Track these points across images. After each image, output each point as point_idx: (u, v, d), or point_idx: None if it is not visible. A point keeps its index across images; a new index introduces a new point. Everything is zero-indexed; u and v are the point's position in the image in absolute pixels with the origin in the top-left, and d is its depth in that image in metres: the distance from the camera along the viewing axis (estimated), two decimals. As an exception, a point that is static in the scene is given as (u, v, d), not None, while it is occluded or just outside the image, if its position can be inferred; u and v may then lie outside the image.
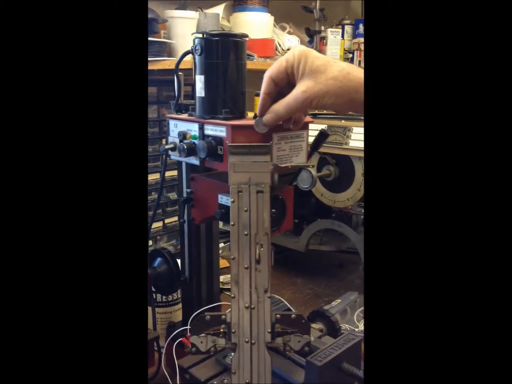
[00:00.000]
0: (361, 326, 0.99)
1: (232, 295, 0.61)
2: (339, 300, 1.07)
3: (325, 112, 1.56)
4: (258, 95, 0.70)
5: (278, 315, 0.61)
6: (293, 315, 0.62)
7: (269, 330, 0.60)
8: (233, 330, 0.60)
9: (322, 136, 0.77)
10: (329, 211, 1.30)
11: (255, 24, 1.31)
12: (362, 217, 1.28)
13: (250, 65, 1.28)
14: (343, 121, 1.19)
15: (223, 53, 0.67)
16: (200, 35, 0.67)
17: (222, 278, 1.08)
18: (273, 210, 0.67)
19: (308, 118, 0.72)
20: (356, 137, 1.09)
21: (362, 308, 1.05)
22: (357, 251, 1.22)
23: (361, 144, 1.08)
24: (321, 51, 1.54)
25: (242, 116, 0.71)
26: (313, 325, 0.85)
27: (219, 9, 1.29)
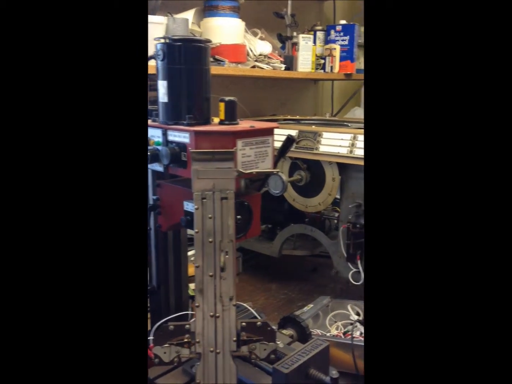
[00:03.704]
0: (333, 331, 0.99)
1: (197, 304, 0.60)
2: (312, 305, 1.07)
3: (297, 117, 1.57)
4: (223, 100, 0.69)
5: (243, 323, 0.61)
6: (258, 323, 0.61)
7: (234, 339, 0.59)
8: (197, 340, 0.59)
9: (289, 141, 0.77)
10: (302, 216, 1.30)
11: (226, 29, 1.30)
12: (336, 221, 1.29)
13: (221, 70, 1.28)
14: (313, 126, 1.20)
15: (185, 58, 0.66)
16: (162, 40, 0.66)
17: (192, 285, 1.06)
18: (239, 216, 0.67)
19: (273, 124, 0.72)
20: (326, 142, 1.10)
21: (335, 312, 1.05)
22: (330, 255, 1.22)
23: (331, 149, 1.08)
24: (293, 56, 1.55)
25: (207, 121, 0.70)
26: (283, 331, 0.85)
27: (189, 14, 1.29)
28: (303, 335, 0.86)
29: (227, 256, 0.61)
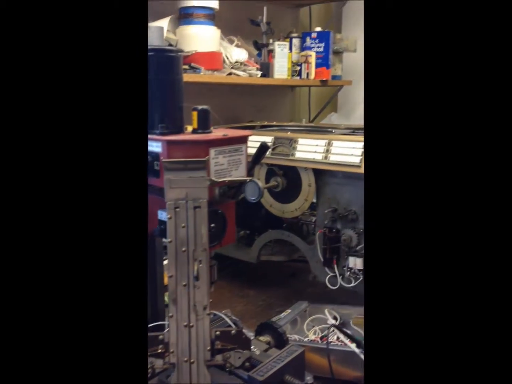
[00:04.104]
0: (311, 336, 1.00)
1: (170, 314, 0.59)
2: (289, 311, 1.07)
3: (274, 123, 1.58)
4: (195, 109, 0.70)
5: (217, 332, 0.61)
6: (233, 331, 0.62)
7: (208, 348, 0.59)
8: (171, 350, 0.59)
9: (263, 149, 0.78)
10: (281, 221, 1.31)
11: (201, 37, 1.31)
12: (313, 226, 1.30)
13: (196, 78, 1.28)
14: (289, 132, 1.21)
15: (157, 68, 0.66)
16: (134, 50, 0.66)
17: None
18: (213, 225, 0.67)
19: (246, 132, 0.72)
20: (302, 148, 1.11)
21: (312, 317, 1.06)
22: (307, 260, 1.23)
23: (306, 155, 1.10)
24: (270, 63, 1.57)
25: (180, 130, 0.70)
26: (260, 338, 0.85)
27: (164, 22, 1.29)
28: (280, 341, 0.86)
29: (200, 265, 0.61)
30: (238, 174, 0.71)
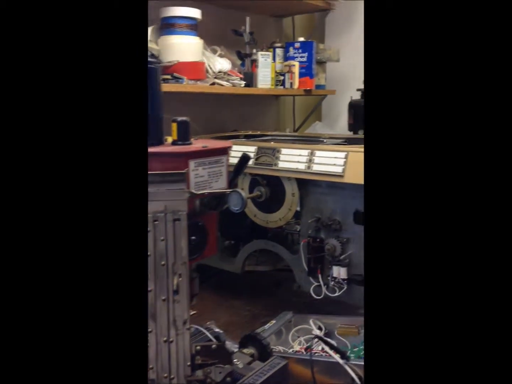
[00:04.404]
0: (296, 346, 1.00)
1: (149, 329, 0.58)
2: (274, 321, 1.07)
3: (259, 132, 1.59)
4: (175, 121, 0.69)
5: (198, 347, 0.60)
6: (213, 346, 0.61)
7: (188, 363, 0.58)
8: (150, 366, 0.57)
9: (244, 160, 0.77)
10: (265, 231, 1.31)
11: (183, 47, 1.31)
12: (298, 235, 1.30)
13: (179, 87, 1.28)
14: (272, 142, 1.21)
15: (135, 80, 0.65)
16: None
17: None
18: (193, 237, 0.66)
19: (227, 143, 0.72)
20: (285, 158, 1.11)
21: (297, 327, 1.06)
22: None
23: (289, 165, 1.10)
24: (253, 73, 1.57)
25: (160, 142, 0.70)
26: (244, 350, 0.84)
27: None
28: (264, 354, 0.85)
29: (180, 279, 0.60)
30: (219, 185, 0.70)
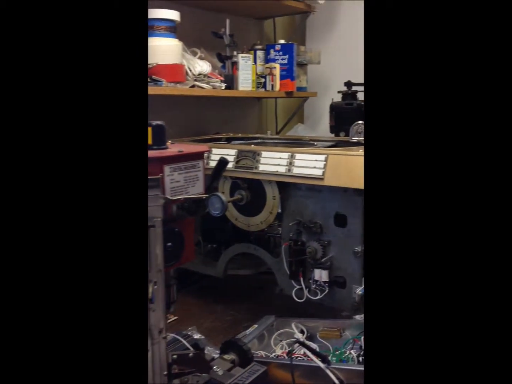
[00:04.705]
0: (278, 350, 0.99)
1: (124, 339, 0.57)
2: (256, 326, 1.06)
3: (240, 135, 1.58)
4: (150, 125, 0.68)
5: (174, 356, 0.59)
6: (190, 354, 0.60)
7: (165, 373, 0.57)
8: (125, 377, 0.56)
9: (222, 164, 0.76)
10: (248, 235, 1.30)
11: (162, 49, 1.29)
12: (280, 238, 1.29)
13: (158, 90, 1.26)
14: (252, 145, 1.20)
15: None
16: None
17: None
18: (169, 244, 0.65)
19: (203, 147, 0.71)
20: (265, 161, 1.10)
21: (279, 331, 1.05)
22: (275, 273, 1.22)
23: (270, 168, 1.09)
24: (234, 75, 1.57)
25: (135, 147, 0.68)
26: (225, 356, 0.83)
27: (125, 34, 1.27)
28: (245, 359, 0.85)
29: (155, 287, 0.59)
30: (196, 190, 0.69)
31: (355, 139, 1.19)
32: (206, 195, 0.68)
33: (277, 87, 1.70)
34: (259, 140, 1.48)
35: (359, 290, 1.02)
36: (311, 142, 1.40)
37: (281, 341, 1.03)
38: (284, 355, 0.94)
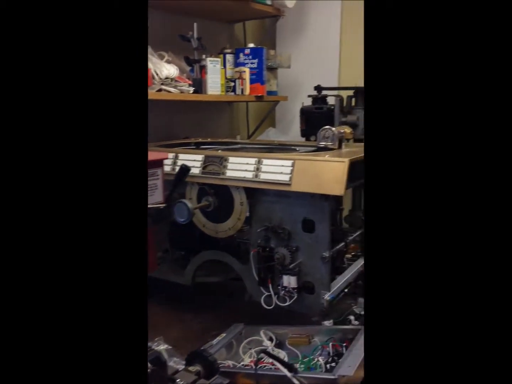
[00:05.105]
0: (246, 359, 0.97)
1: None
2: (224, 334, 1.04)
3: (209, 140, 1.56)
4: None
5: (130, 373, 0.56)
6: (149, 370, 0.58)
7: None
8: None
9: (183, 171, 0.75)
10: (217, 241, 1.28)
11: (127, 53, 1.26)
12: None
13: (123, 95, 1.23)
14: (219, 151, 1.19)
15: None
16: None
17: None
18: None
19: (162, 155, 0.69)
20: (233, 167, 1.09)
21: (248, 339, 1.03)
22: (244, 279, 1.20)
23: (237, 174, 1.08)
24: (202, 79, 1.55)
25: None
26: (190, 368, 0.81)
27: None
28: (211, 370, 0.83)
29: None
30: (154, 199, 0.67)
31: (322, 144, 1.19)
32: (165, 204, 0.66)
33: (247, 91, 1.69)
34: (239, 146, 1.45)
35: (327, 295, 1.02)
36: (293, 147, 1.39)
37: (250, 349, 1.01)
38: (252, 364, 0.93)
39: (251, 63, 1.72)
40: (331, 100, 1.74)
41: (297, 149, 1.35)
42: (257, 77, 1.72)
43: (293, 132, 2.05)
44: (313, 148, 1.34)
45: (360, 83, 1.77)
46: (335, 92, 1.77)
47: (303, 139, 1.81)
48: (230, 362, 0.94)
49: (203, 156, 1.13)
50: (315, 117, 1.73)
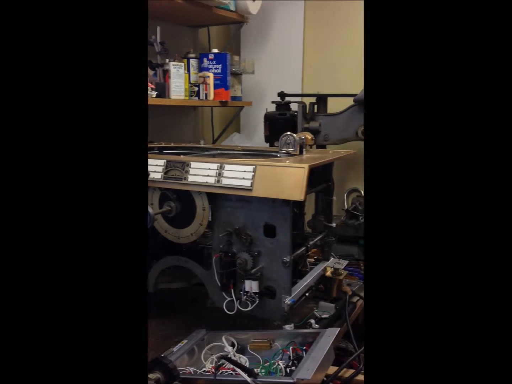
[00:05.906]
0: (208, 365, 0.97)
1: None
2: (186, 341, 1.03)
3: (172, 144, 1.55)
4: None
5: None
6: (103, 380, 0.56)
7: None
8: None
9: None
10: (180, 246, 1.27)
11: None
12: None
13: (82, 98, 1.20)
14: (181, 156, 1.18)
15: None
16: None
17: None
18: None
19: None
20: (195, 172, 1.09)
21: (210, 345, 1.03)
22: (206, 285, 1.20)
23: (199, 179, 1.08)
24: (165, 84, 1.54)
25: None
26: (149, 376, 0.81)
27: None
28: (171, 377, 0.82)
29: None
30: (111, 205, 0.66)
31: (283, 150, 1.20)
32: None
33: (211, 96, 1.69)
34: (219, 152, 1.43)
35: (288, 299, 1.03)
36: (274, 153, 1.39)
37: (211, 355, 1.01)
38: (213, 370, 0.92)
39: (215, 68, 1.72)
40: (294, 107, 1.77)
41: (278, 155, 1.36)
42: (221, 83, 1.73)
43: (257, 137, 2.07)
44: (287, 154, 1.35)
45: (322, 90, 1.81)
46: (298, 99, 1.80)
47: (267, 144, 1.83)
48: (191, 369, 0.94)
49: (165, 161, 1.13)
50: (279, 123, 1.75)
